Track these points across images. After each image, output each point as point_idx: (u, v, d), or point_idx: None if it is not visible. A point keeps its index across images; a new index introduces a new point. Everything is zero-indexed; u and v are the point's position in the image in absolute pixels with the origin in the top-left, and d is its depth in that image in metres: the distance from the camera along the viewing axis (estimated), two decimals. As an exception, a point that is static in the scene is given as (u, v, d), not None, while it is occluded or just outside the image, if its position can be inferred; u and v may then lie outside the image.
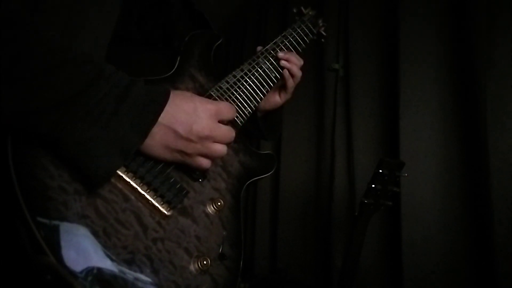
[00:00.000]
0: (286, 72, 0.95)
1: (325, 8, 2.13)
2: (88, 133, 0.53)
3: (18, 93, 0.50)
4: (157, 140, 0.60)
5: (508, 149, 1.42)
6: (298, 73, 0.96)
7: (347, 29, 2.06)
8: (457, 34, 1.60)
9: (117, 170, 0.58)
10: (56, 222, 0.52)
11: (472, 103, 1.51)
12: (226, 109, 0.69)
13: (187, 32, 0.84)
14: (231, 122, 0.73)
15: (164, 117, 0.60)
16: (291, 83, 0.97)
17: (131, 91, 0.57)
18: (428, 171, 1.59)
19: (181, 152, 0.63)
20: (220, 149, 0.67)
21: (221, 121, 0.67)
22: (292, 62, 0.94)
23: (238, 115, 0.81)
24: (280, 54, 0.93)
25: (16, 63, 0.50)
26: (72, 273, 0.50)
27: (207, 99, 0.69)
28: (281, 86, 0.99)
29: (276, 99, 1.01)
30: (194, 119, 0.63)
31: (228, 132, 0.68)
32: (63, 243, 0.51)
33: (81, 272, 0.51)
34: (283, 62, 0.93)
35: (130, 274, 0.56)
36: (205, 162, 0.66)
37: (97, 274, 0.53)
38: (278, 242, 2.27)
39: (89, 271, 0.52)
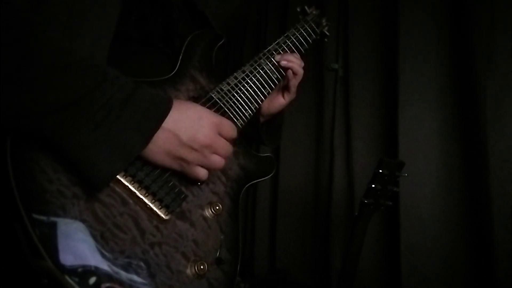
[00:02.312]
0: (290, 73, 0.94)
1: (324, 7, 2.12)
2: (90, 137, 0.53)
3: (22, 94, 0.50)
4: (159, 146, 0.60)
5: (508, 149, 1.42)
6: (300, 71, 0.95)
7: (347, 29, 2.06)
8: (457, 34, 1.59)
9: (118, 174, 0.58)
10: (53, 226, 0.52)
11: (472, 103, 1.51)
12: (228, 126, 0.69)
13: (188, 32, 0.84)
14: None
15: (168, 122, 0.60)
16: (294, 82, 0.96)
17: (135, 96, 0.57)
18: (427, 171, 1.60)
19: (181, 159, 0.63)
20: (219, 161, 0.67)
21: (221, 136, 0.67)
22: (293, 61, 0.93)
23: (239, 117, 0.81)
24: (277, 58, 0.92)
25: (20, 64, 0.50)
26: (69, 277, 0.50)
27: (212, 112, 0.70)
28: (284, 86, 0.99)
29: (281, 100, 1.00)
30: (197, 128, 0.63)
31: (227, 146, 0.68)
32: (60, 247, 0.51)
33: (78, 276, 0.51)
34: (283, 63, 0.92)
35: (127, 278, 0.56)
36: (202, 173, 0.66)
37: (94, 279, 0.53)
38: (277, 243, 2.27)
39: (86, 275, 0.52)
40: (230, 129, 0.69)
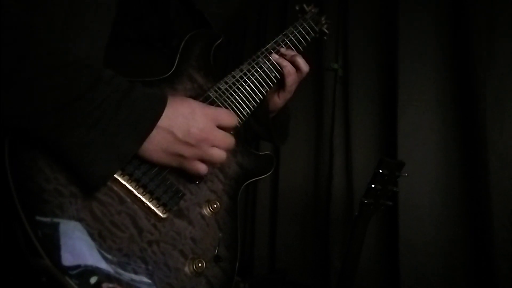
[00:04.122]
0: (287, 69, 0.92)
1: (324, 7, 2.13)
2: (86, 138, 0.53)
3: (18, 95, 0.50)
4: (155, 144, 0.60)
5: (508, 149, 1.42)
6: (306, 67, 0.95)
7: (346, 28, 2.06)
8: (457, 34, 1.59)
9: (114, 174, 0.58)
10: (51, 225, 0.52)
11: (471, 103, 1.51)
12: (225, 116, 0.68)
13: (186, 32, 0.84)
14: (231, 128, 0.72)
15: (162, 120, 0.60)
16: (291, 80, 0.95)
17: (130, 96, 0.57)
18: (426, 171, 1.59)
19: (178, 155, 0.63)
20: (218, 154, 0.66)
21: (220, 127, 0.67)
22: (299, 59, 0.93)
23: (237, 116, 0.80)
24: (283, 50, 0.91)
25: (16, 65, 0.50)
26: (67, 275, 0.51)
27: (206, 104, 0.69)
28: (279, 86, 0.98)
29: (276, 100, 0.99)
30: (191, 122, 0.62)
31: (227, 138, 0.67)
32: (58, 246, 0.51)
33: (76, 274, 0.51)
34: (281, 55, 0.92)
35: (125, 276, 0.56)
36: (202, 168, 0.65)
37: (92, 277, 0.53)
38: (277, 242, 2.27)
39: (84, 274, 0.52)
40: (228, 118, 0.68)
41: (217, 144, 0.66)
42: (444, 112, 1.60)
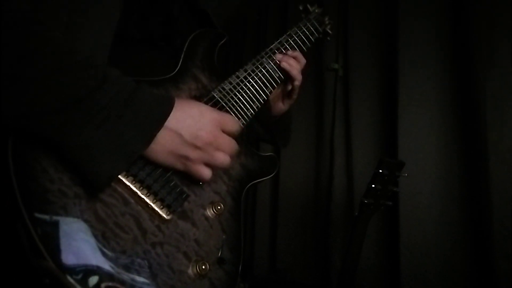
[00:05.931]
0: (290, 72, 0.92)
1: (324, 7, 2.12)
2: (92, 138, 0.53)
3: (23, 94, 0.50)
4: (162, 145, 0.60)
5: (508, 149, 1.42)
6: (299, 76, 0.94)
7: (347, 28, 2.05)
8: (457, 34, 1.60)
9: (119, 174, 0.58)
10: (55, 226, 0.52)
11: (471, 103, 1.51)
12: (230, 122, 0.68)
13: (190, 31, 0.83)
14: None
15: (170, 121, 0.59)
16: (294, 87, 0.96)
17: (137, 96, 0.57)
18: (427, 171, 1.60)
19: (184, 158, 0.62)
20: (223, 158, 0.66)
21: (224, 132, 0.67)
22: (292, 66, 0.92)
23: (241, 116, 0.80)
24: (278, 57, 0.91)
25: (22, 64, 0.50)
26: (70, 277, 0.50)
27: (213, 108, 0.69)
28: (284, 92, 0.98)
29: (280, 106, 1.00)
30: (199, 125, 0.62)
31: (231, 142, 0.67)
32: (62, 247, 0.51)
33: (80, 276, 0.51)
34: (283, 64, 0.91)
35: (129, 278, 0.56)
36: (206, 172, 0.65)
37: (95, 279, 0.53)
38: (277, 243, 2.27)
39: (88, 275, 0.52)
40: (232, 124, 0.68)
41: (223, 148, 0.66)
42: (445, 111, 1.60)
